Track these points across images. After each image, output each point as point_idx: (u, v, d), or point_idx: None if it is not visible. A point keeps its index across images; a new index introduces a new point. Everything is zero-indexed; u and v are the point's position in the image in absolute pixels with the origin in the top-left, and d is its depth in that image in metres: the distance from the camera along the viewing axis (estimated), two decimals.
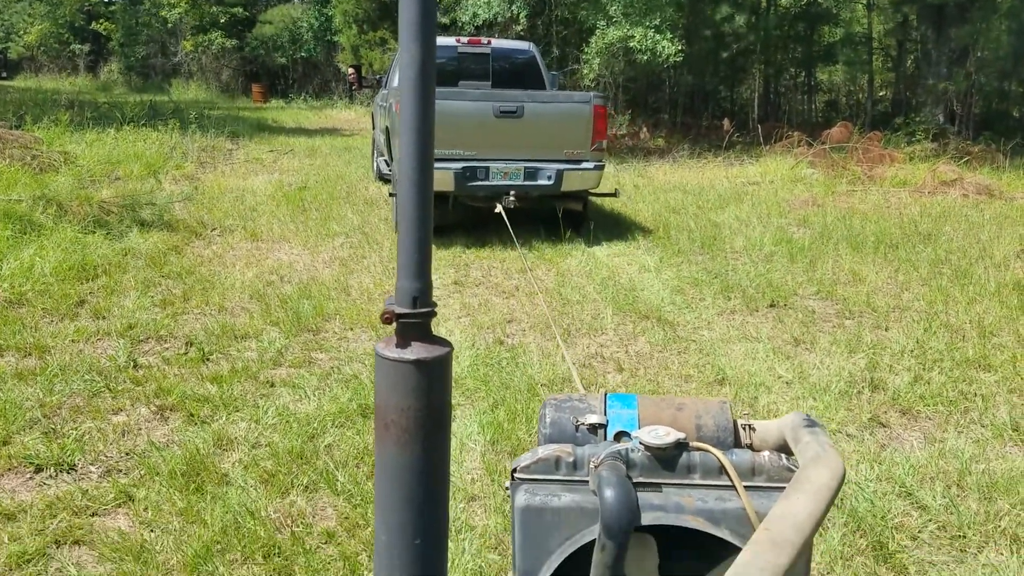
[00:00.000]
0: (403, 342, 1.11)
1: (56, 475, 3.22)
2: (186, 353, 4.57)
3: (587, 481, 1.27)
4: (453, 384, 4.08)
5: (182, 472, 3.19)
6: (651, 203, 9.30)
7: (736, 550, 1.04)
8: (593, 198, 9.56)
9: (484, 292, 5.93)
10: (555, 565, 1.25)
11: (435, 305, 1.14)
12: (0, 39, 41.88)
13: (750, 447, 1.35)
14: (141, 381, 4.14)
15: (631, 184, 10.84)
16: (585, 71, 14.73)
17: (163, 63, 36.07)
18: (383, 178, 9.26)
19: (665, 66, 14.44)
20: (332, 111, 25.63)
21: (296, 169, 11.72)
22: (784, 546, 0.99)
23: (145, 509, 2.97)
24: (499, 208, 7.04)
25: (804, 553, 1.03)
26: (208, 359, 4.47)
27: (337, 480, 3.11)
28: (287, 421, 3.66)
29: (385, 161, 8.79)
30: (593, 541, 1.22)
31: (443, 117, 7.06)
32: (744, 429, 1.37)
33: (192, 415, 3.73)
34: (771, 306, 5.59)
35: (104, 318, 5.12)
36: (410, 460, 1.11)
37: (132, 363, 4.37)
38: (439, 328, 5.10)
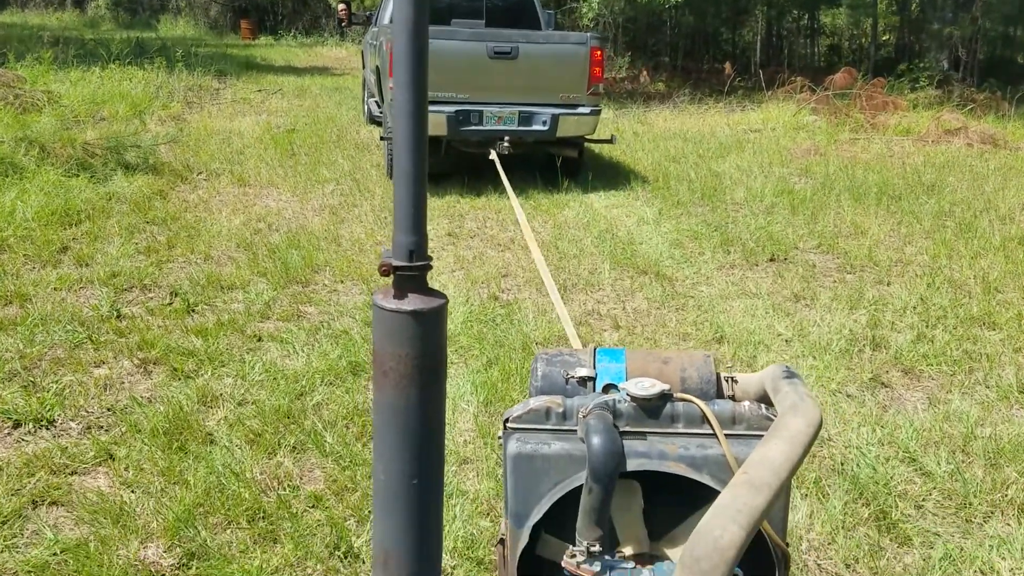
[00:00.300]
0: (400, 294, 1.15)
1: (35, 431, 3.12)
2: (170, 304, 4.44)
3: (576, 430, 1.33)
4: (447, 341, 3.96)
5: (164, 430, 3.09)
6: (651, 151, 9.11)
7: (717, 494, 1.08)
8: (590, 144, 9.37)
9: (479, 244, 5.78)
10: (545, 508, 1.31)
11: (431, 258, 1.17)
12: None
13: (732, 398, 1.41)
14: (124, 333, 4.02)
15: (630, 131, 10.61)
16: (584, 10, 14.34)
17: None
18: (374, 120, 8.98)
19: (667, 6, 14.05)
20: (322, 49, 25.07)
21: (285, 110, 11.44)
22: (761, 488, 1.02)
23: (126, 468, 2.88)
24: (493, 154, 6.81)
25: (781, 496, 1.08)
26: (193, 310, 4.35)
27: (325, 441, 3.02)
28: (274, 378, 3.55)
29: (376, 103, 8.54)
30: (581, 486, 1.28)
31: (435, 58, 6.80)
32: (727, 381, 1.43)
33: (176, 369, 3.61)
34: (771, 260, 5.47)
35: (87, 265, 4.97)
36: (407, 404, 1.15)
37: (115, 313, 4.24)
38: (433, 282, 4.96)
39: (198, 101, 11.28)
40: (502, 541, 1.43)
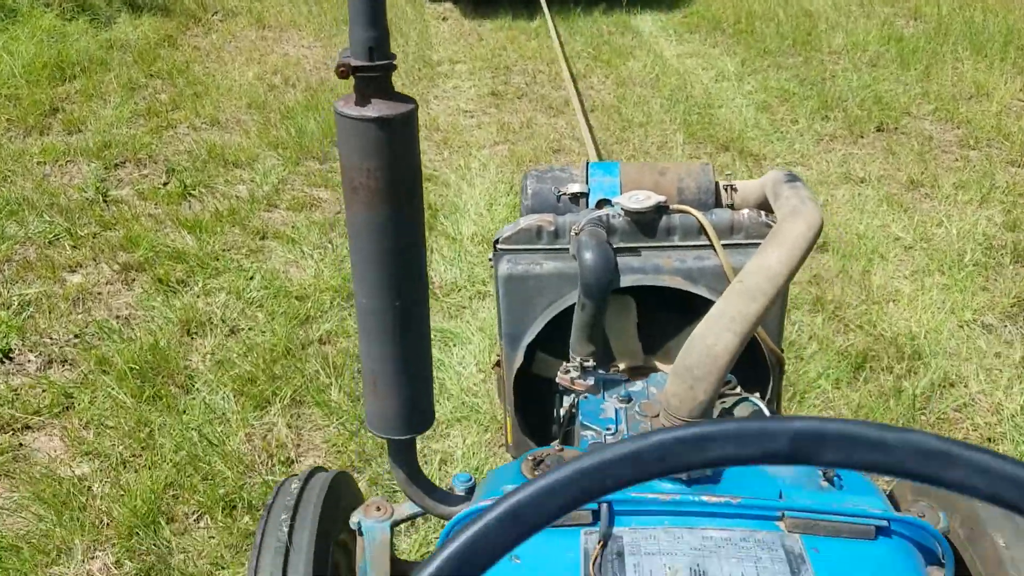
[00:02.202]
0: (362, 99, 1.02)
1: None
2: (165, 184, 3.80)
3: (568, 248, 1.27)
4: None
5: (138, 369, 2.52)
6: None
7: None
8: None
9: (527, 108, 4.94)
10: (539, 328, 1.28)
11: (394, 57, 1.02)
12: None
13: (732, 207, 1.34)
14: (109, 224, 3.42)
15: None
16: None
17: None
18: None
19: None
20: None
21: None
22: (756, 296, 1.01)
23: (86, 424, 2.34)
24: None
25: (777, 301, 1.05)
26: (190, 194, 3.70)
27: (330, 397, 2.42)
28: (275, 295, 2.92)
29: None
30: (575, 304, 1.26)
31: None
32: (726, 190, 1.35)
33: (161, 281, 3.01)
34: (879, 130, 4.56)
35: (79, 131, 4.32)
36: (381, 220, 1.06)
37: (102, 196, 3.63)
38: (472, 158, 4.23)
39: None
40: (499, 363, 1.40)
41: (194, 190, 3.72)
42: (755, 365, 1.30)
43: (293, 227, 3.41)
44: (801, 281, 3.08)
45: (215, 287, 2.98)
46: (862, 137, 4.47)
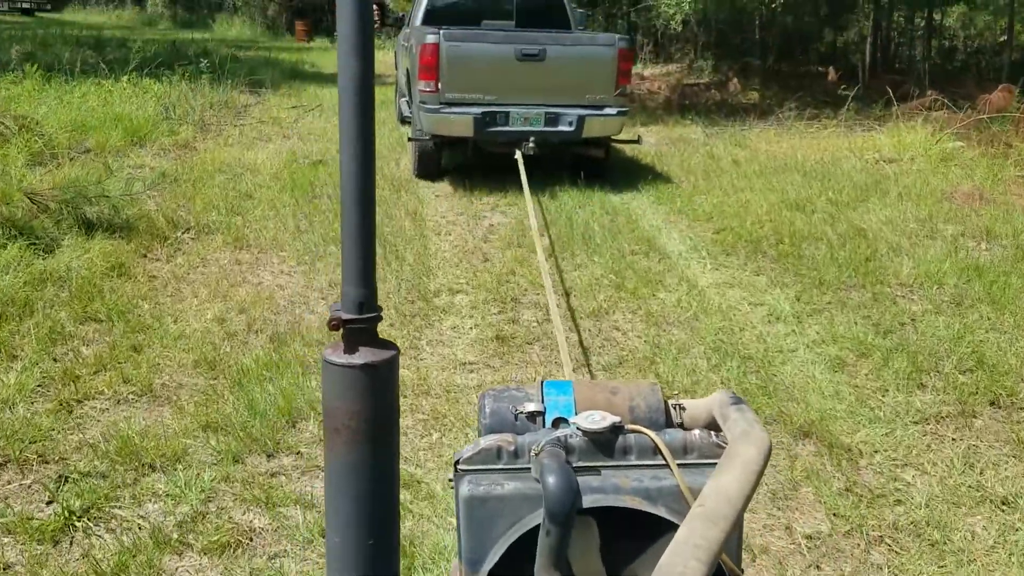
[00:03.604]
0: (350, 348, 1.13)
1: None
2: (49, 503, 2.78)
3: (529, 468, 1.26)
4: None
5: None
6: (761, 191, 7.14)
7: (672, 526, 1.09)
8: (679, 180, 7.49)
9: (539, 356, 3.98)
10: (502, 551, 1.25)
11: (381, 309, 1.16)
12: None
13: (681, 426, 1.37)
14: None
15: (728, 158, 8.66)
16: (671, 12, 12.33)
17: None
18: (404, 121, 8.82)
19: (770, 4, 11.95)
20: (378, 53, 23.55)
21: (319, 133, 9.78)
22: (718, 521, 1.03)
23: None
24: (518, 154, 6.65)
25: (736, 526, 1.07)
26: (72, 527, 2.66)
27: None
28: None
29: (407, 102, 8.47)
30: (538, 526, 1.23)
31: (464, 60, 6.92)
32: (675, 409, 1.39)
33: None
34: (993, 405, 3.55)
35: None
36: (360, 461, 1.12)
37: None
38: (469, 441, 3.20)
39: (217, 123, 9.68)
40: None
41: (82, 519, 2.68)
42: None
43: None
44: None
45: None
46: (975, 417, 3.45)
